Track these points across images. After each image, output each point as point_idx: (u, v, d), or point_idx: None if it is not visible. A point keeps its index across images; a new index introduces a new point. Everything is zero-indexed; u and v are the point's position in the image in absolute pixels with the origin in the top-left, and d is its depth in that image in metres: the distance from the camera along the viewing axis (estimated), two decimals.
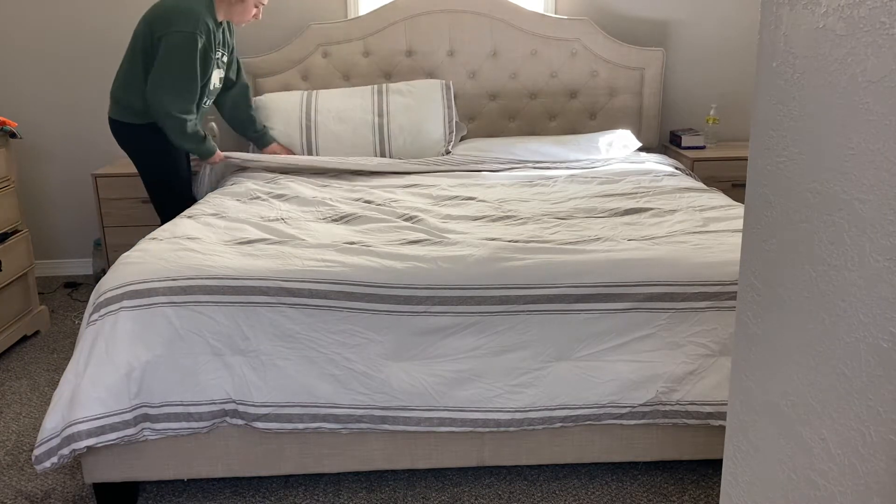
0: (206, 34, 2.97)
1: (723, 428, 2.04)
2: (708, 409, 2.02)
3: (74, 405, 1.94)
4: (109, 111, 3.13)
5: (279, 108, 3.58)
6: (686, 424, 2.05)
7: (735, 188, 3.61)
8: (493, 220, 2.59)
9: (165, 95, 2.95)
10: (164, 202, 3.18)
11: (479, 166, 3.38)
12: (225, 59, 3.19)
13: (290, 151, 3.51)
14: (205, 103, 3.15)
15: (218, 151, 3.25)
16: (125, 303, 2.00)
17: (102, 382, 1.95)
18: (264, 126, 3.49)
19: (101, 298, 2.03)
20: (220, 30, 3.11)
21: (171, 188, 3.19)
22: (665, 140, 4.01)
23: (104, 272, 3.24)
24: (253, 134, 3.48)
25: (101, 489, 2.12)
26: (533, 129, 3.87)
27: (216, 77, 3.15)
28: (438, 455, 2.11)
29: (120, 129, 3.12)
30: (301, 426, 2.00)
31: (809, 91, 0.89)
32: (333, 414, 2.00)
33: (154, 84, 2.96)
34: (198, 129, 3.10)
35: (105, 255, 3.67)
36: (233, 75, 3.35)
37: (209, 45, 3.00)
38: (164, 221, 3.17)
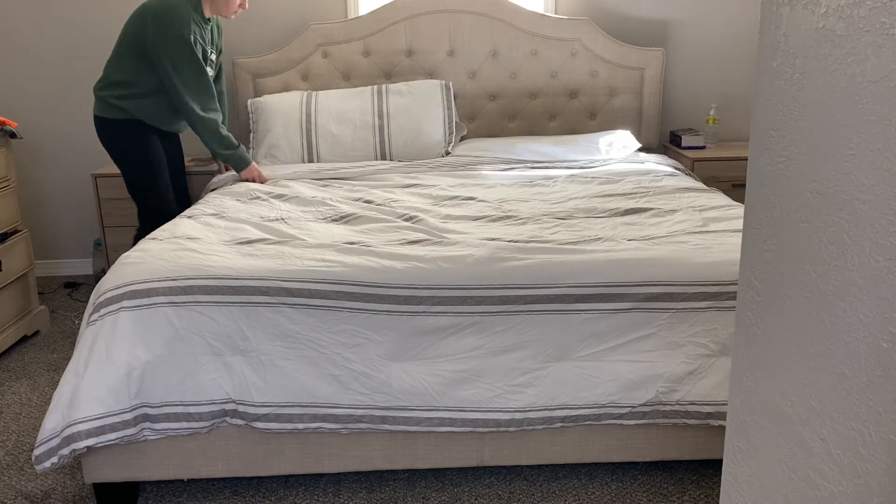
0: (195, 32, 2.99)
1: (723, 428, 2.04)
2: (708, 409, 2.02)
3: (74, 405, 1.94)
4: (94, 109, 3.14)
5: (279, 110, 3.58)
6: (686, 424, 2.05)
7: (735, 188, 3.61)
8: (493, 220, 2.59)
9: (191, 102, 3.00)
10: (141, 202, 3.17)
11: (479, 166, 3.38)
12: (213, 57, 3.20)
13: (260, 174, 3.24)
14: None
15: (254, 165, 3.21)
16: (125, 303, 2.00)
17: (102, 382, 1.95)
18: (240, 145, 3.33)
19: (101, 298, 2.03)
20: (209, 27, 3.11)
21: (147, 188, 3.14)
22: (665, 140, 4.01)
23: (104, 272, 3.24)
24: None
25: (101, 489, 2.12)
26: (533, 129, 3.87)
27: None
28: (438, 455, 2.11)
29: (100, 125, 3.11)
30: (301, 426, 2.00)
31: (809, 91, 0.89)
32: (333, 414, 2.00)
33: (179, 98, 3.00)
34: (229, 134, 3.13)
35: (105, 255, 3.67)
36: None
37: (200, 41, 3.02)
38: (141, 224, 3.17)
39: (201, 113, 3.03)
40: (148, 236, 2.43)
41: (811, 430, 0.91)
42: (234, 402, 2.00)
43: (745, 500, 1.10)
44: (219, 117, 3.10)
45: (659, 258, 2.11)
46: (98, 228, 3.78)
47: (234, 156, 3.16)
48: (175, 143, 3.34)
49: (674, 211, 2.63)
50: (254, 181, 3.19)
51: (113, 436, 1.95)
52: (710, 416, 2.03)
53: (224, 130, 3.12)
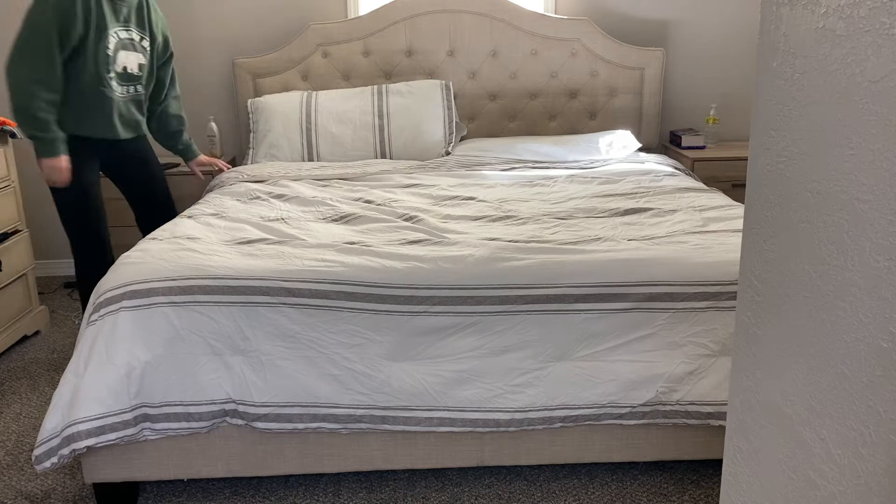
0: (74, 2, 2.58)
1: (723, 428, 2.04)
2: (708, 409, 2.02)
3: (74, 405, 1.94)
4: None
5: (279, 110, 3.59)
6: (686, 424, 2.05)
7: (735, 188, 3.61)
8: (493, 220, 2.59)
9: (14, 61, 2.58)
10: (71, 231, 2.83)
11: (479, 166, 3.38)
12: (146, 44, 2.84)
13: (213, 163, 3.27)
14: (110, 85, 2.74)
15: (62, 160, 2.66)
16: (125, 303, 2.00)
17: (102, 382, 1.95)
18: (189, 138, 3.19)
19: (101, 298, 2.03)
20: (123, 6, 2.75)
21: (76, 215, 2.81)
22: (665, 140, 4.01)
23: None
24: (179, 147, 3.16)
25: (101, 489, 2.12)
26: (533, 129, 3.87)
27: (130, 61, 2.79)
28: (438, 455, 2.11)
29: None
30: (301, 426, 2.00)
31: (809, 91, 0.89)
32: (333, 414, 2.00)
33: (9, 55, 2.60)
34: (48, 117, 2.62)
35: None
36: (165, 77, 3.02)
37: (79, 14, 2.60)
38: (75, 258, 2.87)
39: (27, 83, 2.56)
40: (148, 236, 2.43)
41: (811, 430, 0.91)
42: (234, 402, 2.00)
43: (745, 500, 1.10)
44: (49, 97, 2.60)
45: (659, 258, 2.11)
46: None
47: (39, 138, 2.63)
48: (135, 154, 2.97)
49: (674, 211, 2.63)
50: (54, 180, 2.69)
51: (113, 436, 1.95)
52: (710, 416, 2.03)
53: (44, 113, 2.60)
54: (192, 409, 1.99)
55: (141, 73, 2.88)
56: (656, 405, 2.02)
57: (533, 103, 3.84)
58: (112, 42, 2.73)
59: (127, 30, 2.78)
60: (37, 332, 3.35)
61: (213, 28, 3.85)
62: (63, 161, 2.68)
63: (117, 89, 2.80)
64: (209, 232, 2.45)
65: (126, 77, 2.82)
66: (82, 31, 2.64)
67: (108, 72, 2.74)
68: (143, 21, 2.87)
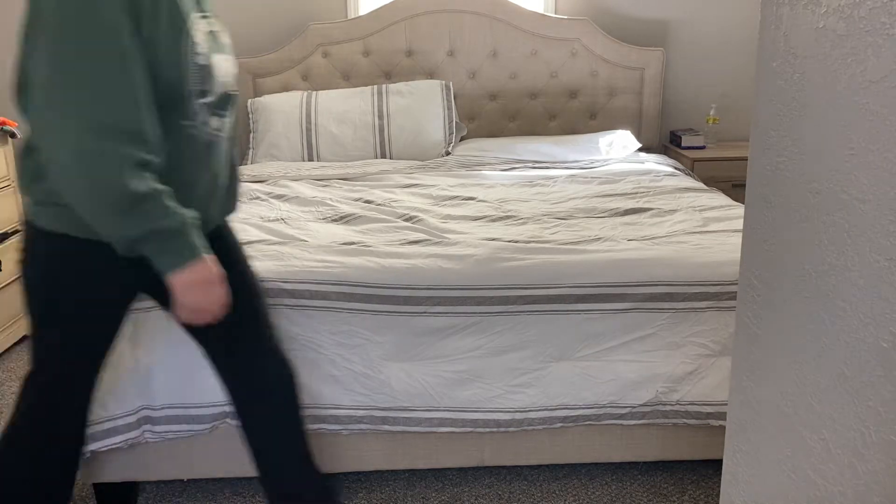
0: None
1: (723, 428, 2.04)
2: (708, 409, 2.02)
3: None
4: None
5: (279, 109, 3.58)
6: (686, 424, 2.05)
7: (735, 188, 3.61)
8: (494, 220, 2.59)
9: (63, 116, 1.28)
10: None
11: (479, 166, 3.38)
12: (227, 40, 1.56)
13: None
14: (204, 118, 1.45)
15: (208, 263, 1.41)
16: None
17: (105, 386, 1.94)
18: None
19: None
20: None
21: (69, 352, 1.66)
22: (665, 140, 4.01)
23: None
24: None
25: (101, 489, 2.11)
26: (533, 129, 3.87)
27: (225, 70, 1.50)
28: (438, 455, 2.11)
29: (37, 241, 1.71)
30: None
31: (809, 91, 0.89)
32: (334, 415, 2.00)
33: (37, 96, 1.32)
34: (156, 188, 1.34)
35: None
36: None
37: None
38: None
39: (88, 141, 1.28)
40: None
41: (811, 430, 0.91)
42: None
43: (745, 500, 1.10)
44: (144, 155, 1.32)
45: (659, 258, 2.11)
46: None
47: (158, 233, 1.35)
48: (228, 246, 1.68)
49: (674, 211, 2.63)
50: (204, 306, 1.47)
51: (118, 439, 1.94)
52: (710, 416, 2.03)
53: (147, 183, 1.32)
54: (193, 412, 1.99)
55: (234, 89, 1.56)
56: (656, 405, 2.03)
57: (533, 103, 3.84)
58: (200, 39, 1.42)
59: (206, 17, 1.48)
60: None
61: None
62: (212, 265, 1.44)
63: (215, 125, 1.50)
64: None
65: (225, 101, 1.52)
66: (151, 22, 1.34)
67: (204, 94, 1.45)
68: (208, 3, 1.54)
